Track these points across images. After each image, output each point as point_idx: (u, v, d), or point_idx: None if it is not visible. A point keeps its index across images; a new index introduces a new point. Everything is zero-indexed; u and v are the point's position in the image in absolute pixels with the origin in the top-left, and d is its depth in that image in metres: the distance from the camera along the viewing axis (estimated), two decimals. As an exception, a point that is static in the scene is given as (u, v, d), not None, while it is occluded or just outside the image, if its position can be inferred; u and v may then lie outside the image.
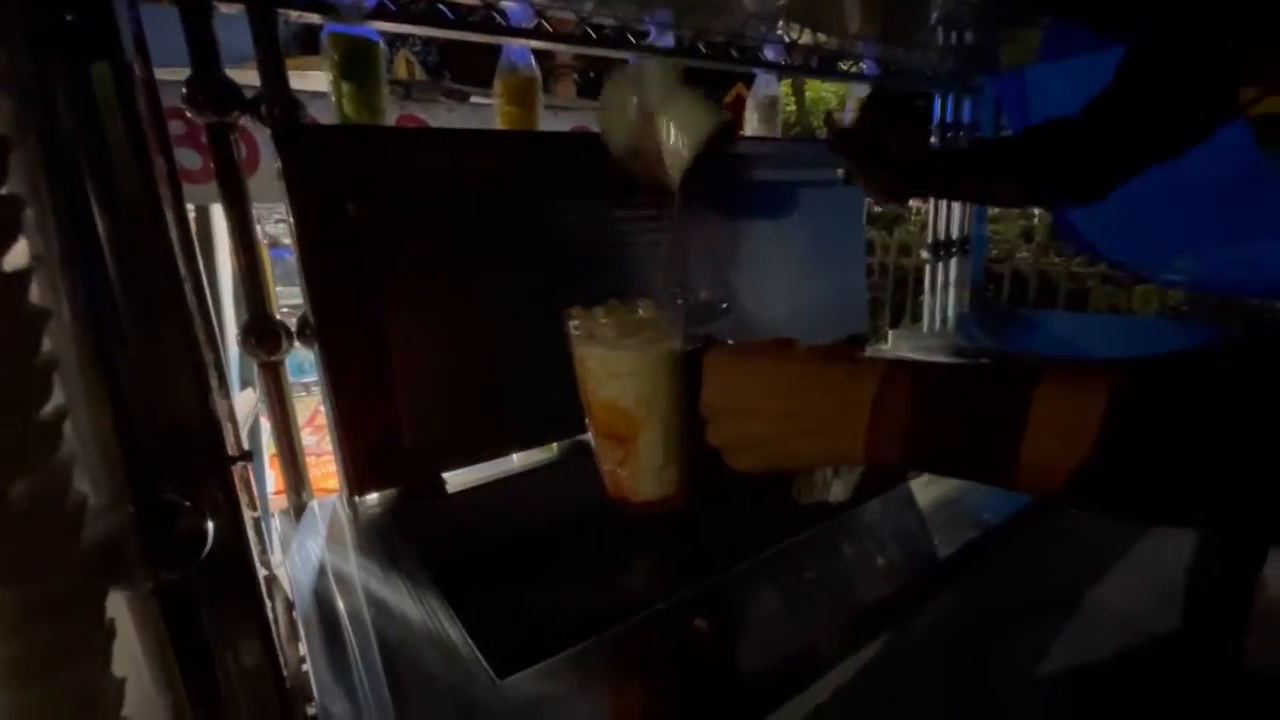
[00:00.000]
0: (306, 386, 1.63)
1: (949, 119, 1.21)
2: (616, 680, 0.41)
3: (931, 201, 1.26)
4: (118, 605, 0.28)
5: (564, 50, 0.77)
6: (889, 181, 0.74)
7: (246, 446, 0.56)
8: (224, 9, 0.55)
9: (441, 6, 0.66)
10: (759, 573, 0.50)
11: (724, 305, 0.83)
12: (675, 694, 0.40)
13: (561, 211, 0.71)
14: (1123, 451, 0.27)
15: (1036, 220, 3.55)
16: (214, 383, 0.44)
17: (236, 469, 0.40)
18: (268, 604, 0.42)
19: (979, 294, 1.33)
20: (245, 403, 1.04)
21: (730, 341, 0.43)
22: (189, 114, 0.55)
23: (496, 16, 0.70)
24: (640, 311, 0.50)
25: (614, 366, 0.46)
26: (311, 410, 1.62)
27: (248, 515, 0.43)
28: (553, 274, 0.70)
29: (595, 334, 0.47)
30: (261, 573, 0.45)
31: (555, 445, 0.77)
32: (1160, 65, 0.57)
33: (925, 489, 0.61)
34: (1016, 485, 0.30)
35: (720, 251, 0.83)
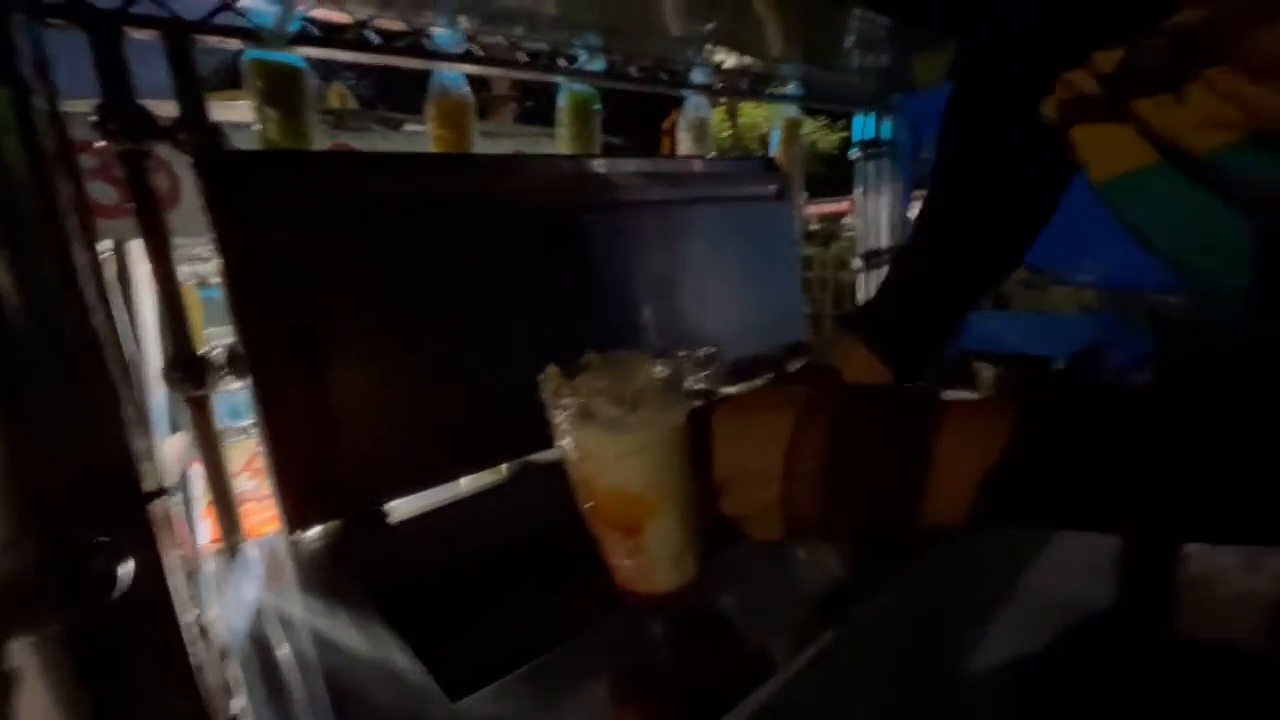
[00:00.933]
0: (245, 430, 1.56)
1: (870, 137, 1.27)
2: (573, 696, 0.40)
3: (861, 210, 1.32)
4: (23, 652, 0.26)
5: (494, 74, 0.78)
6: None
7: (175, 487, 0.53)
8: (136, 35, 0.53)
9: (368, 32, 0.66)
10: (712, 579, 0.50)
11: (713, 350, 0.79)
12: (632, 704, 0.39)
13: (499, 233, 0.71)
14: (1024, 472, 0.29)
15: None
16: (130, 418, 0.42)
17: (158, 508, 0.38)
18: (197, 651, 0.39)
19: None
20: (177, 446, 0.99)
21: (731, 392, 0.40)
22: (101, 141, 0.53)
23: (425, 42, 0.70)
24: (631, 369, 0.41)
25: (619, 448, 0.38)
26: (251, 454, 1.55)
27: (171, 556, 0.41)
28: (492, 295, 0.70)
29: (592, 413, 0.39)
30: (190, 618, 0.43)
31: (504, 467, 0.76)
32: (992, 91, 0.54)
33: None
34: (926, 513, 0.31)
35: (658, 269, 0.84)
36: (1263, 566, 1.16)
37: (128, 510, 0.33)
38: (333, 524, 0.62)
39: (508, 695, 0.39)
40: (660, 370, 0.40)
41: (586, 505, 0.40)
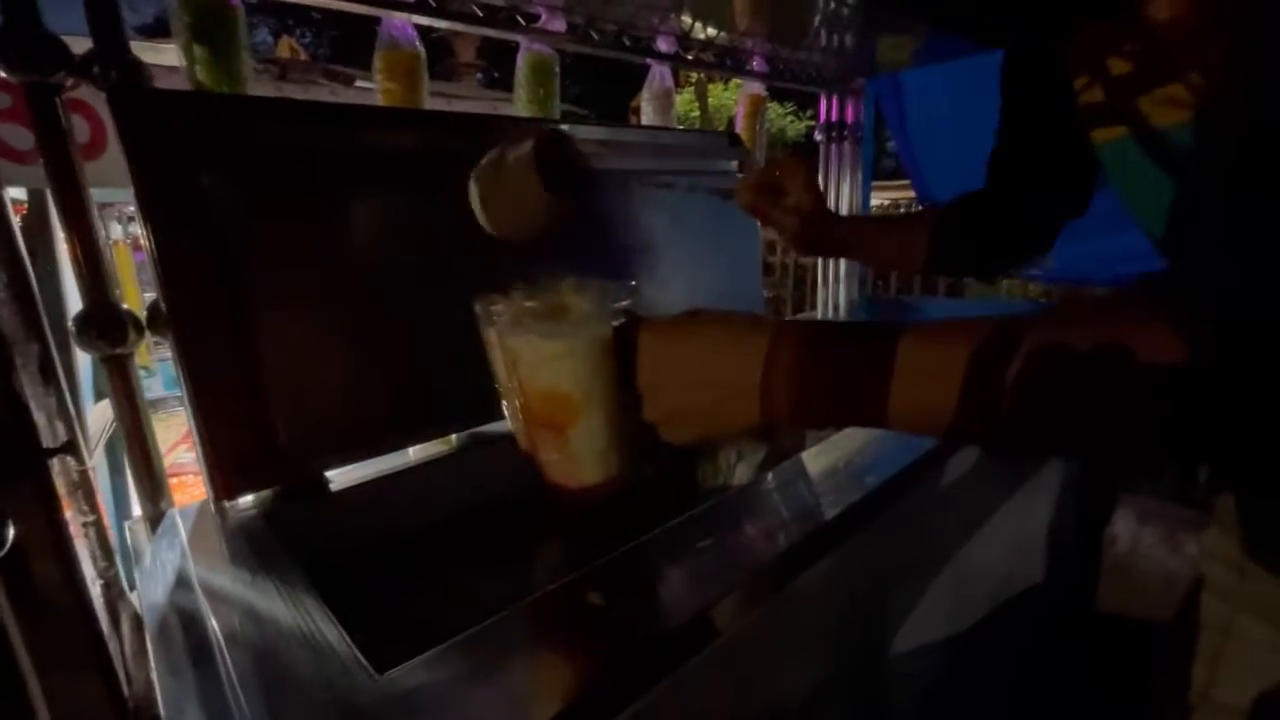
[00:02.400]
0: (181, 399, 1.49)
1: (834, 119, 1.27)
2: (503, 667, 0.39)
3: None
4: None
5: (446, 26, 0.74)
6: (791, 229, 0.72)
7: (92, 456, 0.49)
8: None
9: (310, -27, 0.62)
10: (654, 548, 0.50)
11: (632, 283, 0.82)
12: (568, 671, 0.39)
13: (448, 194, 0.68)
14: (984, 393, 0.29)
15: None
16: (31, 373, 0.39)
17: (62, 469, 0.35)
18: (105, 619, 0.37)
19: (870, 286, 1.41)
20: (104, 412, 0.93)
21: (654, 316, 0.42)
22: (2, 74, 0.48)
23: (375, -12, 0.66)
24: (563, 294, 0.47)
25: (549, 351, 0.43)
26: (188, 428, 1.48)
27: (77, 520, 0.38)
28: (440, 260, 0.67)
29: (524, 320, 0.44)
30: (98, 585, 0.40)
31: (454, 437, 0.74)
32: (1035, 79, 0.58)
33: (815, 460, 0.64)
34: (892, 428, 0.32)
35: (615, 238, 0.83)
36: (1182, 549, 1.24)
37: (20, 467, 0.30)
38: (268, 492, 0.60)
39: (436, 666, 0.38)
40: (585, 293, 0.45)
41: (517, 405, 0.45)
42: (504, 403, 0.49)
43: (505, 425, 0.77)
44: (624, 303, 0.46)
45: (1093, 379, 0.28)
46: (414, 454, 0.72)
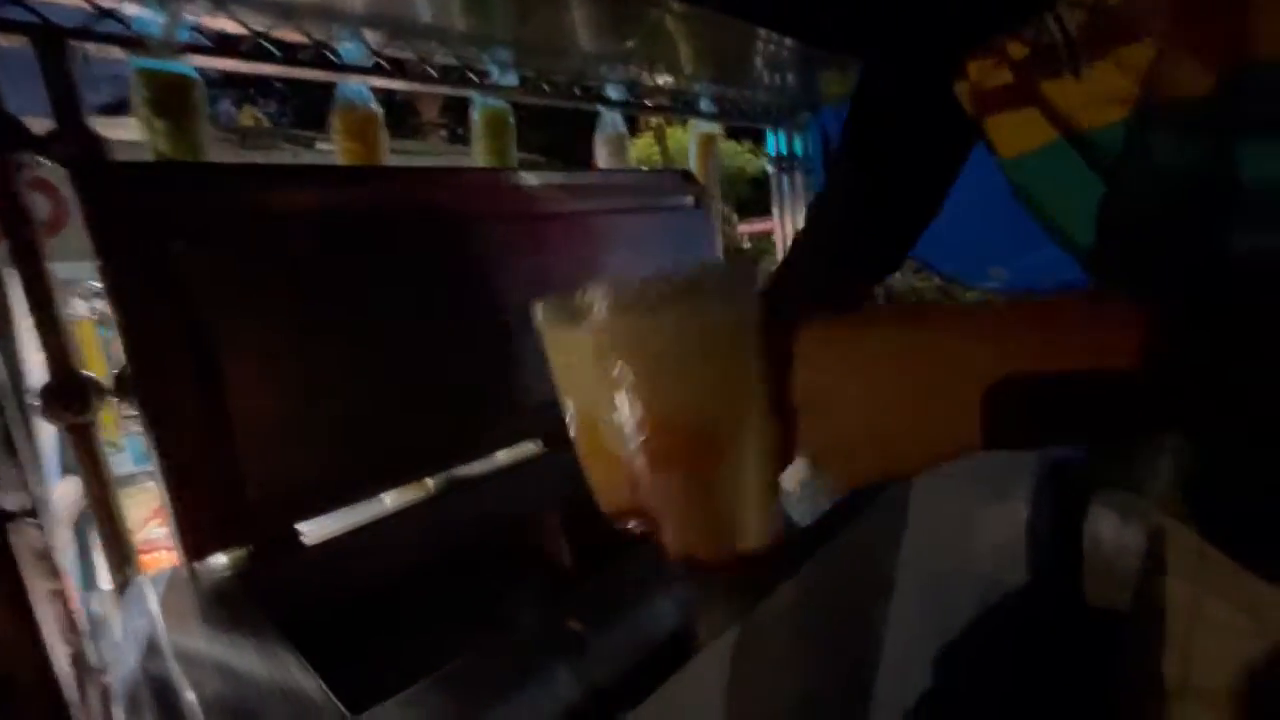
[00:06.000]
0: (151, 473, 1.46)
1: (784, 151, 1.33)
2: (480, 707, 0.39)
3: (779, 222, 1.38)
4: None
5: (401, 88, 0.77)
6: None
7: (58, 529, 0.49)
8: (2, 42, 0.51)
9: (267, 44, 0.64)
10: (628, 573, 0.50)
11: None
12: (546, 704, 0.39)
13: (408, 245, 0.70)
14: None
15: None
16: (-7, 440, 0.39)
17: (21, 531, 0.35)
18: (72, 690, 0.36)
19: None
20: (72, 486, 0.91)
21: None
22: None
23: (330, 55, 0.69)
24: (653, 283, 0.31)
25: (686, 345, 0.29)
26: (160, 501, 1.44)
27: (41, 588, 0.37)
28: (405, 308, 0.69)
29: (639, 301, 0.29)
30: (64, 656, 0.39)
31: (430, 481, 0.74)
32: (895, 91, 0.55)
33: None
34: None
35: (575, 278, 0.85)
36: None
37: (-20, 534, 0.30)
38: (242, 551, 0.59)
39: (411, 707, 0.38)
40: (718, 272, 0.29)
41: (637, 443, 0.30)
42: (582, 449, 0.34)
43: (482, 466, 0.78)
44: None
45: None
46: (390, 501, 0.72)
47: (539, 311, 0.33)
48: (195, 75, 0.59)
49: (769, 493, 0.31)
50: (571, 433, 0.35)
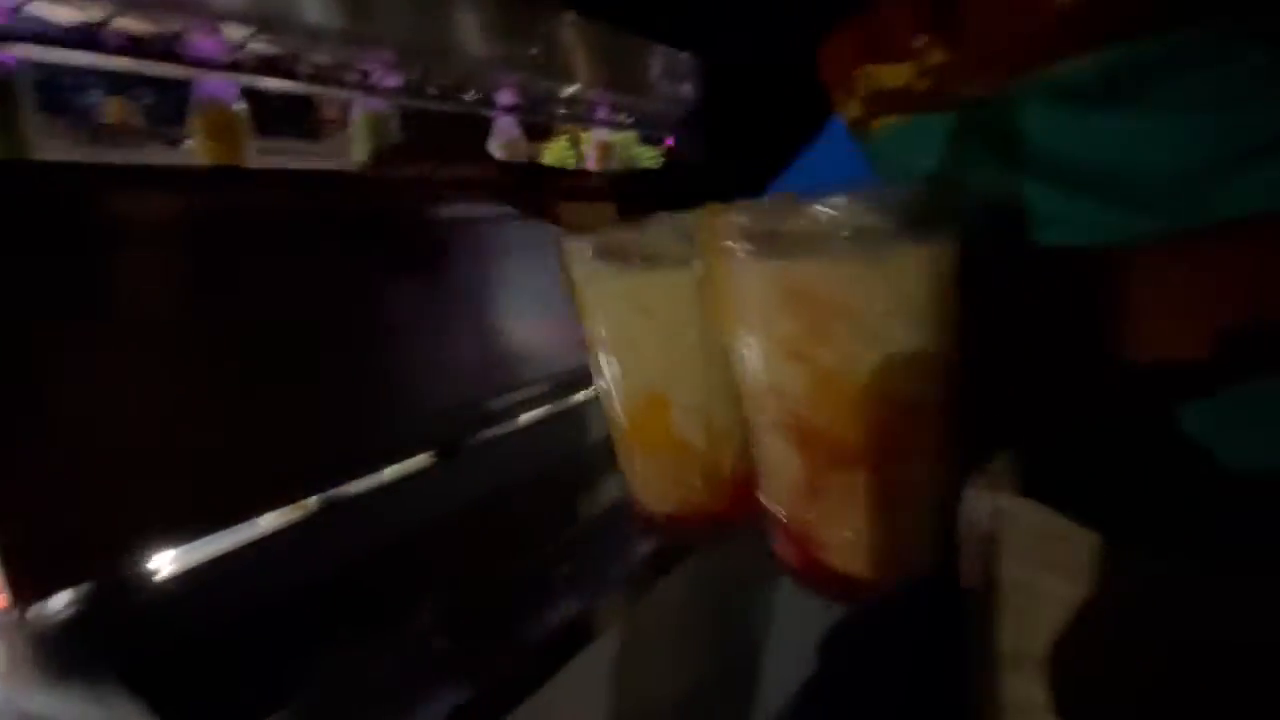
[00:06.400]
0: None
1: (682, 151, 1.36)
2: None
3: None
4: None
5: (270, 85, 0.73)
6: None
7: None
8: None
9: (106, 33, 0.59)
10: (516, 581, 0.50)
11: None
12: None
13: (273, 249, 0.66)
14: None
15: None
16: None
17: None
18: None
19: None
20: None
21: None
22: None
23: (180, 49, 0.64)
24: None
25: (868, 291, 0.21)
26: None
27: None
28: (267, 314, 0.65)
29: (829, 238, 0.21)
30: None
31: (314, 500, 0.70)
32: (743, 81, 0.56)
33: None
34: None
35: (450, 284, 0.81)
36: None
37: None
38: (79, 589, 0.53)
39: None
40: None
41: (788, 419, 0.22)
42: (635, 437, 0.28)
43: (364, 484, 0.74)
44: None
45: None
46: (266, 524, 0.67)
47: (587, 247, 0.25)
48: (11, 63, 0.53)
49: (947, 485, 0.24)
50: (617, 413, 0.28)
